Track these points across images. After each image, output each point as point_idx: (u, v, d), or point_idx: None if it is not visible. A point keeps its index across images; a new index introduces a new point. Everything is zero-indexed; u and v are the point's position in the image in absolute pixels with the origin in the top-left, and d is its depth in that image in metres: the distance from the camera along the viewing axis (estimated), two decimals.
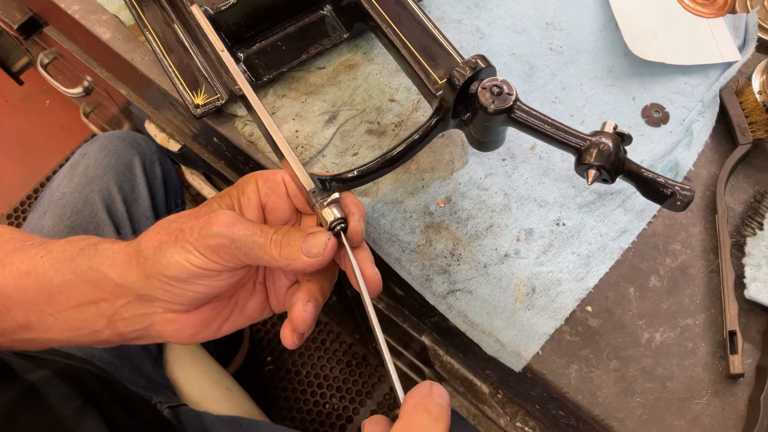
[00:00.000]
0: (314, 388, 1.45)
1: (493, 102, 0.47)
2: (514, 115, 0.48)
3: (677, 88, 0.62)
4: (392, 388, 0.42)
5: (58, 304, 0.46)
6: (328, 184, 0.47)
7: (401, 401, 0.39)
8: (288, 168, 0.47)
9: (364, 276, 0.44)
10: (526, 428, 0.68)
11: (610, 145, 0.46)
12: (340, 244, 0.45)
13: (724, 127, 0.60)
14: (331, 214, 0.45)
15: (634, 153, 0.58)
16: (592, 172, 0.46)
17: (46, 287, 0.46)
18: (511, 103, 0.47)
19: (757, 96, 0.60)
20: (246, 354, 1.42)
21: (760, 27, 0.63)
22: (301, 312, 0.44)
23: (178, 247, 0.42)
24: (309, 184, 0.46)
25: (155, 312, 0.45)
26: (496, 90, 0.47)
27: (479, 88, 0.47)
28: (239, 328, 0.49)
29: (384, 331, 0.44)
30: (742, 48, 0.63)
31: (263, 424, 0.89)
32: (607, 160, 0.45)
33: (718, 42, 0.62)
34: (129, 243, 0.45)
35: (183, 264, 0.42)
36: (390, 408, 1.43)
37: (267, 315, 0.51)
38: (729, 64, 0.62)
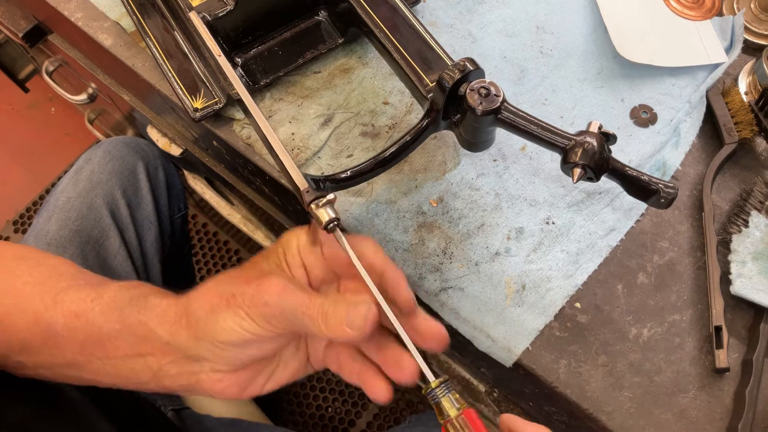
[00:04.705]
0: (317, 392, 1.46)
1: (481, 103, 0.48)
2: (502, 116, 0.49)
3: (665, 89, 0.63)
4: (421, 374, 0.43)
5: (106, 351, 0.47)
6: (322, 184, 0.48)
7: (430, 379, 0.41)
8: (284, 171, 0.48)
9: (426, 326, 0.44)
10: None
11: (595, 144, 0.47)
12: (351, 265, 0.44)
13: (711, 127, 0.62)
14: (325, 214, 0.46)
15: (623, 153, 0.60)
16: (577, 171, 0.47)
17: (95, 333, 0.46)
18: (499, 104, 0.48)
19: (744, 96, 0.61)
20: None
21: (747, 29, 0.65)
22: (408, 365, 0.43)
23: (230, 313, 0.42)
24: (303, 184, 0.47)
25: (202, 371, 0.45)
26: (483, 92, 0.49)
27: (468, 90, 0.49)
28: (282, 385, 0.49)
29: None
30: (728, 50, 0.64)
31: (264, 426, 0.90)
32: (591, 159, 0.47)
33: (705, 44, 0.64)
34: (178, 300, 0.45)
35: (236, 330, 0.42)
36: (392, 412, 1.44)
37: (309, 372, 0.50)
38: (716, 66, 0.63)
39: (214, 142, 0.68)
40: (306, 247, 0.47)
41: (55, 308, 0.47)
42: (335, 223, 0.46)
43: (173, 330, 0.44)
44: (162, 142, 0.88)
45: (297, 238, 0.47)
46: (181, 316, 0.44)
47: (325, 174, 0.51)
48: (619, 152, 0.59)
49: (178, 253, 0.99)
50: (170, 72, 0.64)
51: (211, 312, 0.42)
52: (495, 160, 0.60)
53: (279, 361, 0.48)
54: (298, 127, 0.62)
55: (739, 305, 0.54)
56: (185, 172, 1.07)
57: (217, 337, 0.42)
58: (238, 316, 0.42)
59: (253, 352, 0.44)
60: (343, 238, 0.45)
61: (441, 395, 0.40)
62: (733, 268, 0.55)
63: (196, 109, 0.62)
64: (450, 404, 0.40)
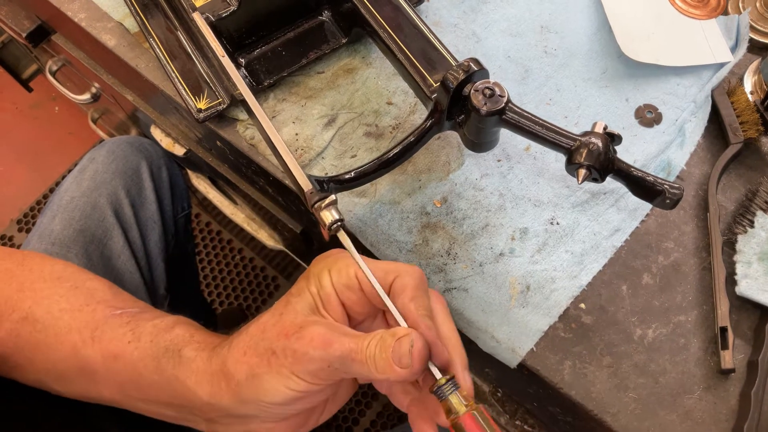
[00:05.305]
0: None
1: (486, 104, 0.48)
2: (506, 116, 0.49)
3: (670, 89, 0.63)
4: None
5: (148, 396, 0.46)
6: (326, 185, 0.48)
7: (437, 375, 0.40)
8: (288, 172, 0.48)
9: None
10: (526, 426, 0.69)
11: (600, 144, 0.47)
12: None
13: (716, 126, 0.61)
14: (329, 216, 0.46)
15: (628, 153, 0.59)
16: (582, 172, 0.47)
17: (135, 378, 0.46)
18: (503, 104, 0.48)
19: (749, 96, 0.61)
20: None
21: (752, 28, 0.64)
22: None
23: (274, 374, 0.40)
24: (307, 185, 0.47)
25: (252, 423, 0.44)
26: (488, 92, 0.49)
27: (472, 91, 0.49)
28: (333, 414, 0.48)
29: None
30: (733, 49, 0.64)
31: None
32: (596, 160, 0.46)
33: (711, 43, 0.63)
34: (210, 358, 0.43)
35: (283, 390, 0.40)
36: (396, 410, 1.44)
37: (356, 388, 0.48)
38: (721, 65, 0.63)
39: (218, 143, 0.68)
40: (342, 286, 0.43)
41: (93, 345, 0.47)
42: (339, 224, 0.46)
43: (213, 392, 0.42)
44: (165, 142, 0.88)
45: (328, 272, 0.43)
46: (218, 377, 0.42)
47: (329, 175, 0.51)
48: (623, 152, 0.59)
49: (181, 253, 0.99)
50: (174, 72, 0.64)
51: (251, 375, 0.40)
52: (499, 161, 0.60)
53: (328, 396, 0.47)
54: (302, 127, 0.62)
55: (745, 306, 0.54)
56: (189, 172, 1.07)
57: (263, 398, 0.41)
58: (282, 376, 0.40)
59: (304, 405, 0.43)
60: (349, 242, 0.45)
61: (448, 392, 0.40)
62: (739, 269, 0.54)
63: (199, 110, 0.61)
64: (458, 401, 0.39)
